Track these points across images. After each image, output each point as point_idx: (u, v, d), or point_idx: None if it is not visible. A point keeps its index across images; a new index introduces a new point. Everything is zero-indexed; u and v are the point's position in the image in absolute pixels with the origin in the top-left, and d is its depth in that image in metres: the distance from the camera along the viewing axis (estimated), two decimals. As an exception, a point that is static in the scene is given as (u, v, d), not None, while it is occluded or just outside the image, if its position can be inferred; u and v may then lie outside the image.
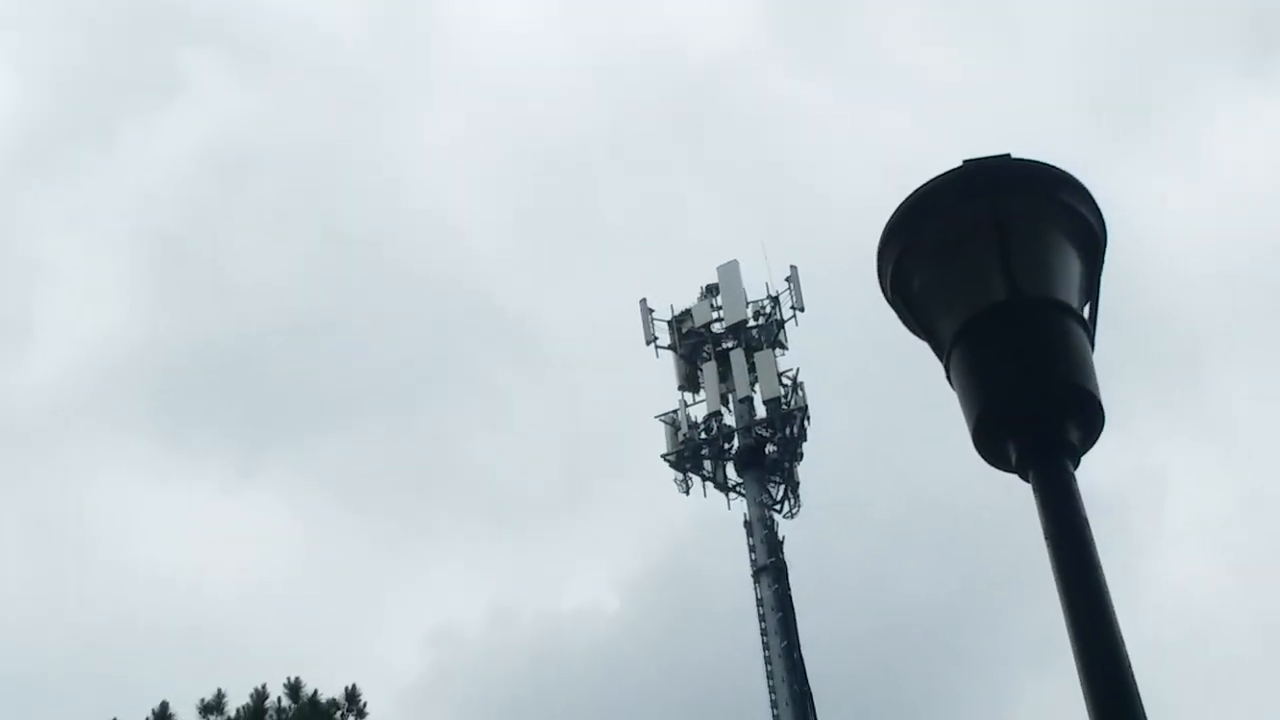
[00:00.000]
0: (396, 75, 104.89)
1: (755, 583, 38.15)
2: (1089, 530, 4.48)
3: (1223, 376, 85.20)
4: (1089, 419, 4.66)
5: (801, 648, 36.48)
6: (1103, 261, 4.93)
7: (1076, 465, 4.63)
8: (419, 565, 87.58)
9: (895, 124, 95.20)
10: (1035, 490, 4.59)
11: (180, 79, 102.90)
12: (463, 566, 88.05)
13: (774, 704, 35.90)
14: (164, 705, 30.35)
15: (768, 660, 36.65)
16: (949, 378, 4.89)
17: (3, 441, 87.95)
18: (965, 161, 4.89)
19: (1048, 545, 4.49)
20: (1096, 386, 4.67)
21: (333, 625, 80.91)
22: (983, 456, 4.76)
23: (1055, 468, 4.59)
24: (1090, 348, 4.76)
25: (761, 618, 37.48)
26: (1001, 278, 4.77)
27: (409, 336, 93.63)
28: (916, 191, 4.94)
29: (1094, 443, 4.69)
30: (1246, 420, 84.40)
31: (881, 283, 5.09)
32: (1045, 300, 4.76)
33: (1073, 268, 4.85)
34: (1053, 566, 4.44)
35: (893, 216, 4.98)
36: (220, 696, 30.48)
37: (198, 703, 30.50)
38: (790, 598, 37.38)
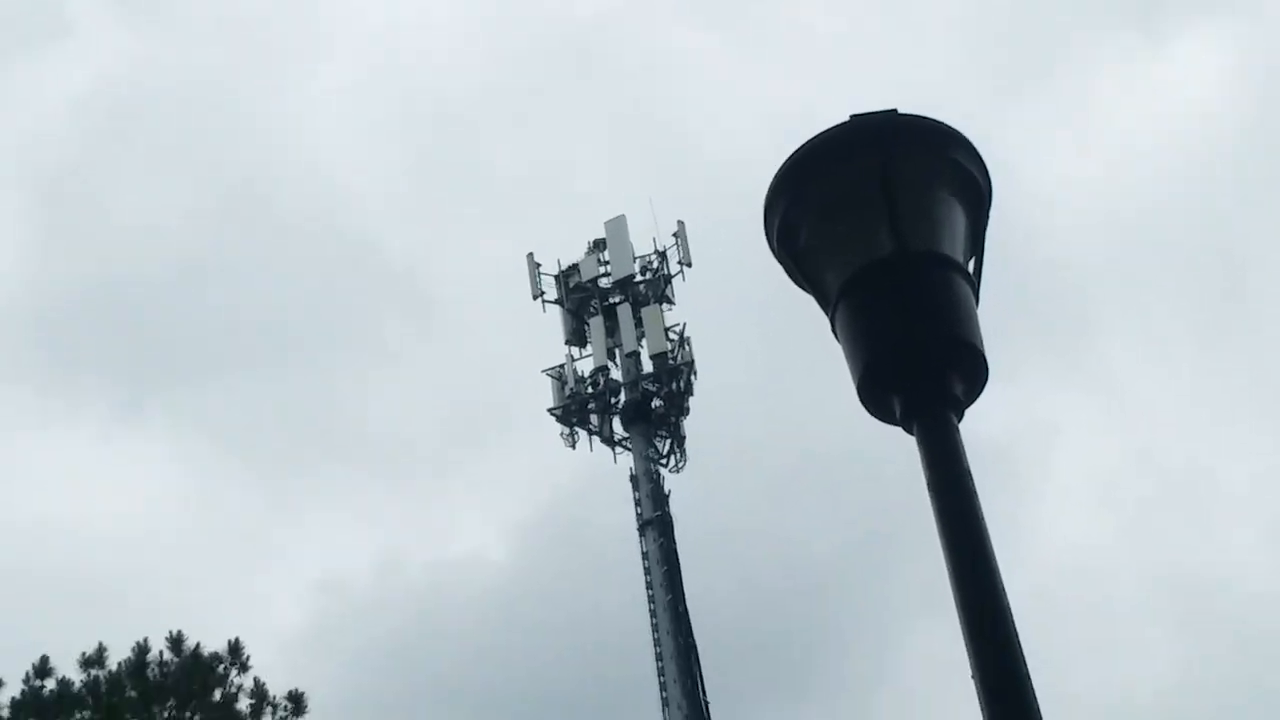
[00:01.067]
0: (287, 23, 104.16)
1: (641, 536, 38.24)
2: (971, 482, 4.53)
3: (1110, 331, 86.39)
4: (973, 372, 4.70)
5: (687, 601, 36.64)
6: (988, 217, 4.97)
7: (960, 418, 4.67)
8: (305, 515, 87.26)
9: (783, 76, 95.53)
10: (919, 443, 4.63)
11: (68, 21, 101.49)
12: (349, 517, 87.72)
13: (659, 656, 36.03)
14: (44, 659, 30.07)
15: (653, 613, 36.76)
16: (835, 331, 4.92)
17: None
18: (852, 116, 4.91)
19: (931, 497, 4.53)
20: (981, 340, 4.71)
21: (218, 575, 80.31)
22: (868, 409, 4.80)
23: (939, 420, 4.63)
24: (975, 302, 4.80)
25: (647, 571, 37.58)
26: (887, 232, 4.79)
27: (296, 285, 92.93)
28: (803, 146, 4.95)
29: (978, 396, 4.73)
30: (1132, 374, 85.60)
31: (768, 237, 5.11)
32: (930, 254, 4.79)
33: (958, 223, 4.89)
34: (936, 518, 4.49)
35: (779, 171, 4.99)
36: (101, 650, 30.25)
37: (79, 656, 30.27)
38: (676, 551, 37.51)
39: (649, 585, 37.37)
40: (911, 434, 4.67)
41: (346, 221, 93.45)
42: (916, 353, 4.68)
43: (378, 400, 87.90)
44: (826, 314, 4.95)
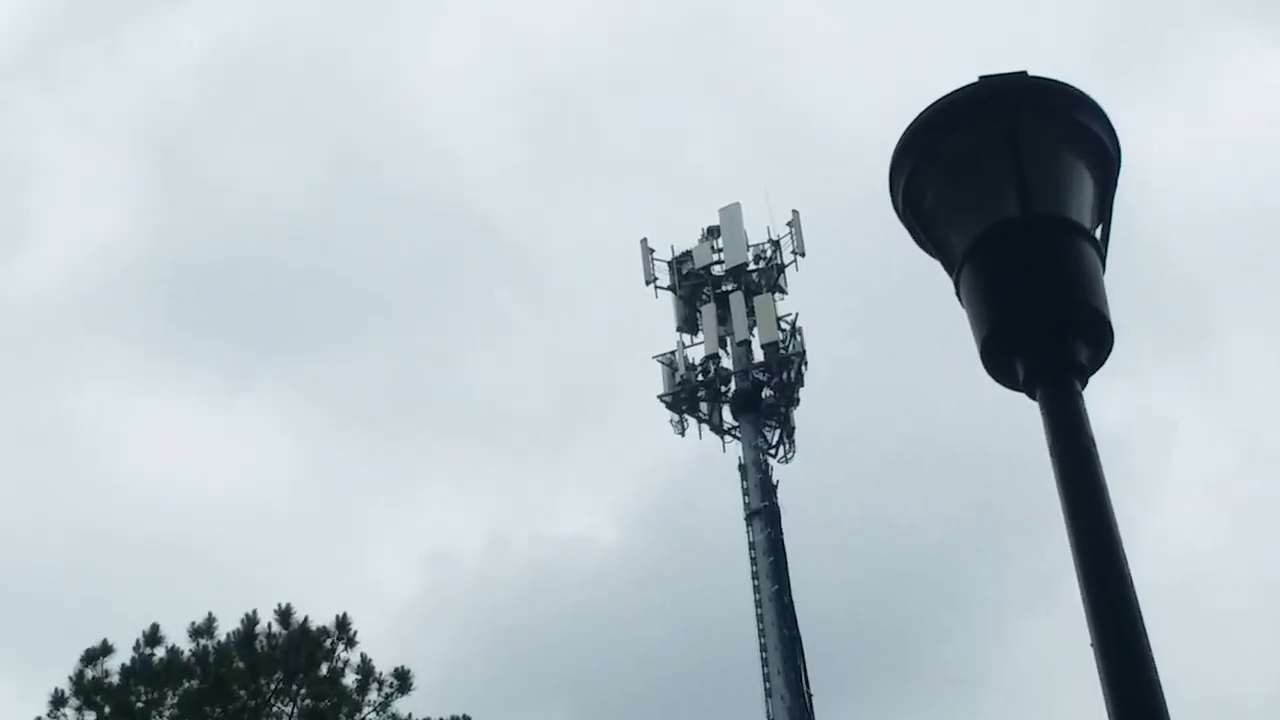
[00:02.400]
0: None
1: (748, 526, 38.20)
2: (1095, 448, 4.46)
3: (1227, 326, 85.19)
4: (1098, 339, 4.62)
5: (792, 591, 36.57)
6: (1116, 183, 4.89)
7: (1084, 385, 4.60)
8: (413, 486, 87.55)
9: (903, 55, 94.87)
10: (1042, 408, 4.56)
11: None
12: (458, 489, 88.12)
13: (763, 647, 36.01)
14: (154, 628, 30.39)
15: (758, 604, 36.71)
16: (959, 295, 4.85)
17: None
18: (981, 78, 4.85)
19: (1053, 463, 4.46)
20: (1107, 307, 4.64)
21: (326, 544, 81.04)
22: (990, 374, 4.73)
23: (1063, 386, 4.56)
24: (1101, 268, 4.72)
25: (753, 561, 37.54)
26: (1015, 195, 4.73)
27: (409, 256, 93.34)
28: (932, 106, 4.90)
29: (1102, 363, 4.66)
30: (1251, 370, 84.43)
31: (893, 198, 5.05)
32: (1058, 218, 4.72)
33: (1086, 187, 4.81)
34: (1057, 483, 4.42)
35: (907, 131, 4.94)
36: (211, 620, 30.53)
37: (188, 626, 30.56)
38: (782, 542, 37.45)
39: (755, 575, 37.34)
40: (1034, 400, 4.60)
41: (461, 192, 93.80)
42: (1042, 317, 4.61)
43: (488, 372, 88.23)
44: (951, 276, 4.89)
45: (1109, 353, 4.66)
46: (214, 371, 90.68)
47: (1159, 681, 4.04)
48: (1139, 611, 4.14)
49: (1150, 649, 4.08)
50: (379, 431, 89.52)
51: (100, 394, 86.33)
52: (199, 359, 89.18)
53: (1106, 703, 4.05)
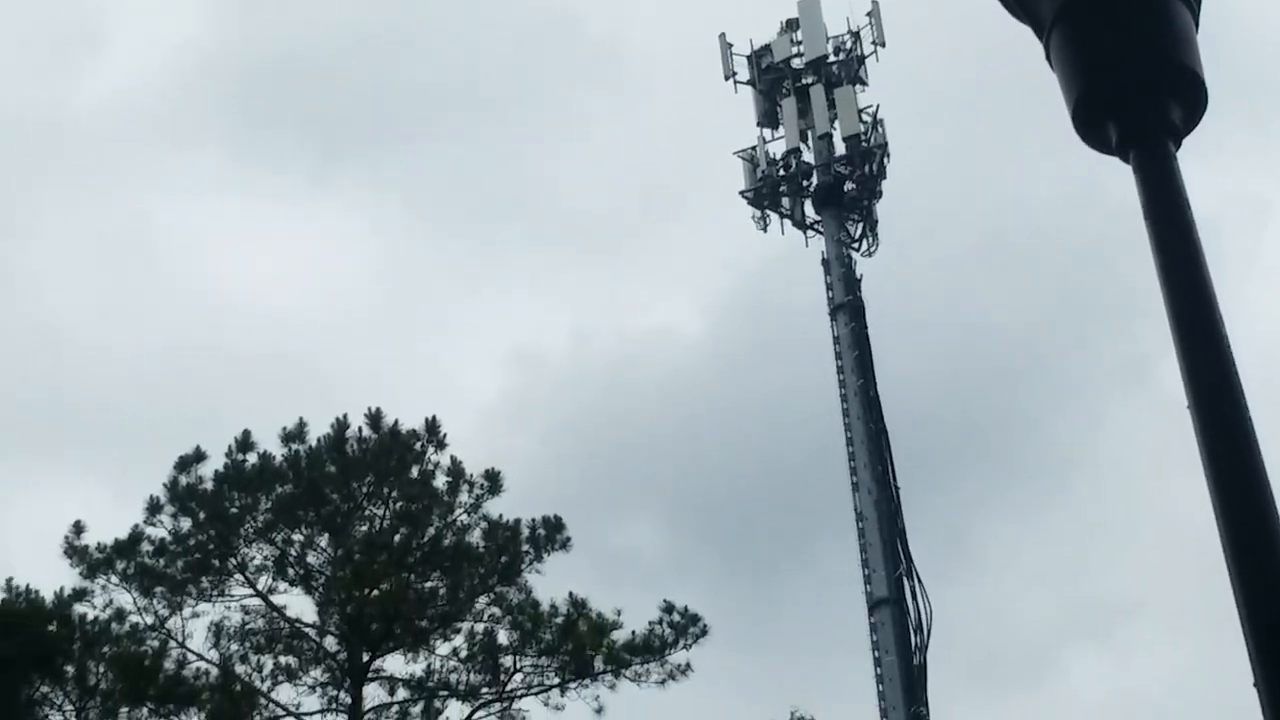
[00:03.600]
0: None
1: (832, 321, 38.20)
2: (1190, 210, 4.38)
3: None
4: (1192, 98, 4.53)
5: (878, 385, 36.63)
6: (1211, -62, 4.76)
7: (1179, 146, 4.51)
8: (496, 283, 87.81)
9: None
10: (1135, 170, 4.48)
11: None
12: (542, 287, 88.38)
13: (849, 441, 36.13)
14: (246, 433, 30.86)
15: (844, 398, 36.81)
16: (1049, 59, 4.76)
17: (74, 152, 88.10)
18: None
19: (1147, 226, 4.39)
20: (1200, 66, 4.54)
21: (411, 345, 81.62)
22: (1082, 138, 4.65)
23: (1157, 147, 4.47)
24: (1195, 28, 4.61)
25: (838, 355, 37.58)
26: (1106, -48, 4.61)
27: (486, 52, 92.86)
28: None
29: (1196, 123, 4.56)
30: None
31: (981, -40, 4.95)
32: (1151, -24, 4.60)
33: (1179, -55, 4.68)
34: (1152, 247, 4.35)
35: (994, -110, 4.81)
36: (302, 425, 30.95)
37: (279, 431, 30.96)
38: (867, 335, 37.45)
39: (840, 370, 37.38)
40: (1127, 163, 4.52)
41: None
42: (1135, 77, 4.50)
43: (570, 168, 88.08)
44: (1041, 41, 4.79)
45: (1203, 113, 4.57)
46: (293, 174, 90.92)
47: (1258, 441, 4.00)
48: (1236, 371, 4.09)
49: (1247, 407, 4.03)
50: (461, 229, 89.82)
51: (178, 201, 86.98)
52: (278, 161, 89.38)
53: (1205, 469, 4.01)
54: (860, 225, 40.37)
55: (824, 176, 40.42)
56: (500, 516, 30.91)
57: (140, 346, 79.52)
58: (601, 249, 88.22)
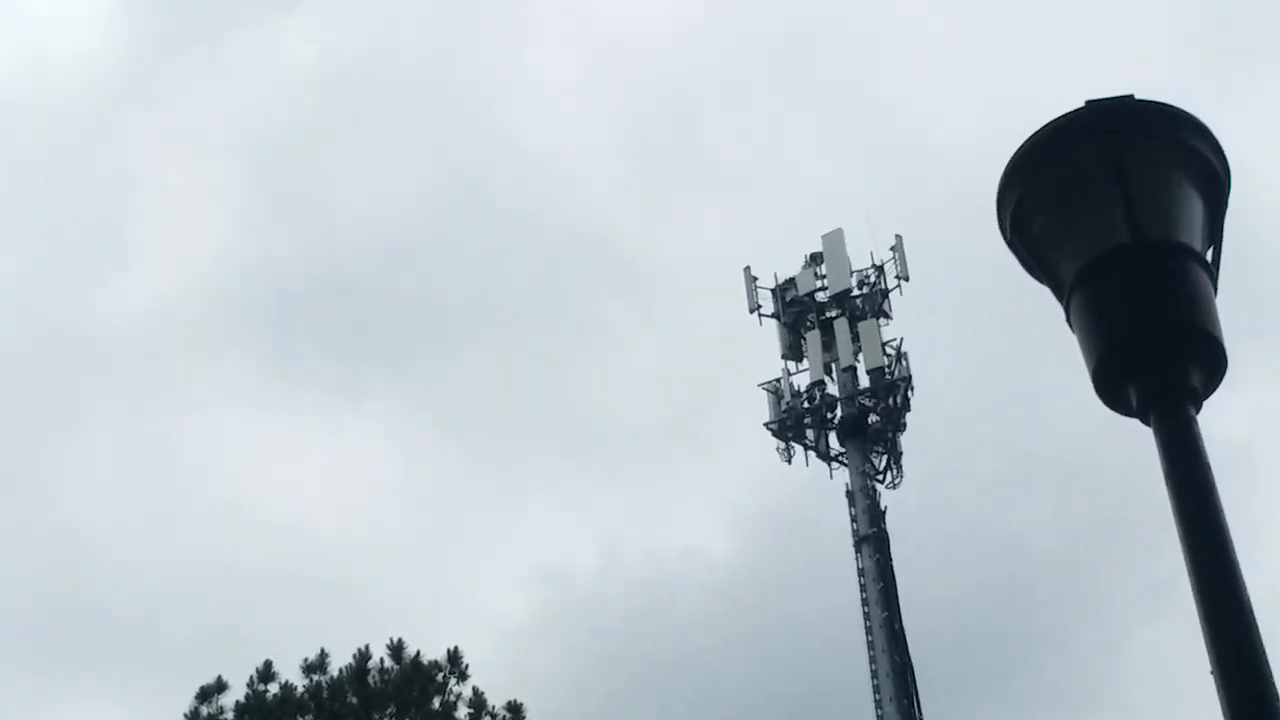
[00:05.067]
0: (512, 5, 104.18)
1: (857, 553, 38.08)
2: (1211, 474, 4.42)
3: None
4: (1212, 362, 4.59)
5: (903, 617, 36.39)
6: (1226, 204, 4.86)
7: (1199, 409, 4.56)
8: (524, 501, 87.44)
9: (1017, 59, 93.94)
10: (1156, 434, 4.53)
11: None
12: (568, 504, 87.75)
13: (874, 674, 35.85)
14: (268, 664, 30.65)
15: (868, 630, 36.58)
16: (1069, 321, 4.84)
17: (104, 364, 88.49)
18: (1088, 102, 4.83)
19: (1169, 490, 4.43)
20: (1219, 330, 4.60)
21: (436, 562, 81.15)
22: (1103, 400, 4.70)
23: (1177, 411, 4.52)
24: (1213, 291, 4.69)
25: (863, 588, 37.41)
26: (1123, 219, 4.71)
27: (516, 271, 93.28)
28: (1038, 132, 4.89)
29: (1216, 386, 4.62)
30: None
31: (1001, 225, 5.05)
32: (1168, 242, 4.70)
33: (1195, 210, 4.79)
34: (1174, 511, 4.39)
35: (1014, 157, 4.93)
36: (323, 655, 30.77)
37: (301, 661, 30.79)
38: (892, 568, 37.32)
39: (864, 602, 37.19)
40: (1148, 425, 4.57)
41: (568, 206, 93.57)
42: (1155, 341, 4.58)
43: (596, 386, 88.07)
44: (1061, 303, 4.87)
45: (1223, 376, 4.62)
46: (321, 390, 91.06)
47: (1282, 709, 4.00)
48: (1260, 640, 4.09)
49: (1272, 678, 4.03)
50: (487, 444, 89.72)
51: (205, 416, 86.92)
52: (305, 378, 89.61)
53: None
54: (885, 457, 40.42)
55: (848, 409, 40.55)
56: (522, 748, 30.57)
57: (165, 564, 79.18)
58: (628, 466, 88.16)
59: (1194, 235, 4.75)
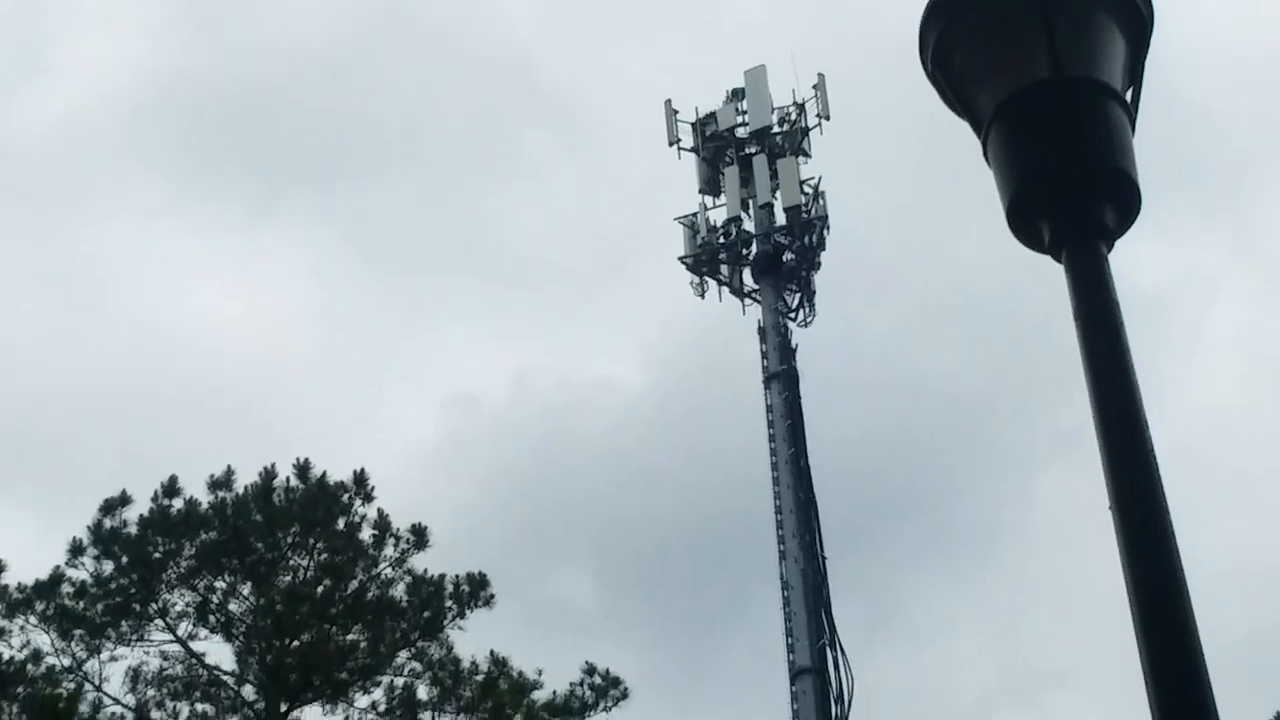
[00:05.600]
0: None
1: (766, 389, 38.27)
2: (1119, 312, 4.45)
3: (1268, 187, 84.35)
4: (1125, 201, 4.60)
5: (810, 455, 36.68)
6: (1148, 45, 4.85)
7: (1110, 248, 4.59)
8: (439, 327, 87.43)
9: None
10: (1067, 270, 4.56)
11: None
12: (483, 331, 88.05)
13: (778, 510, 36.15)
14: (173, 479, 30.70)
15: (774, 466, 36.83)
16: (986, 156, 4.84)
17: (14, 179, 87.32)
18: (1015, -64, 4.80)
19: (1076, 326, 4.46)
20: (1135, 170, 4.62)
21: (348, 383, 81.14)
22: (1016, 236, 4.72)
23: (1089, 248, 4.55)
24: (1131, 131, 4.70)
25: (770, 424, 37.62)
26: (1044, 56, 4.71)
27: (439, 94, 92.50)
28: (965, -36, 4.85)
29: (1129, 226, 4.64)
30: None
31: (922, 58, 5.03)
32: (1087, 80, 4.70)
33: (1117, 49, 4.78)
34: (1081, 347, 4.42)
35: (938, -10, 4.90)
36: (229, 473, 30.83)
37: (207, 478, 30.80)
38: (800, 405, 37.52)
39: (771, 439, 37.42)
40: (1060, 262, 4.60)
41: (493, 33, 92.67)
42: (1069, 178, 4.59)
43: (517, 215, 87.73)
44: (979, 138, 4.87)
45: (1136, 216, 4.64)
46: (237, 205, 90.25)
47: (1177, 546, 4.06)
48: (1159, 476, 4.15)
49: (1169, 513, 4.09)
50: (404, 270, 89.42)
51: (118, 229, 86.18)
52: (221, 196, 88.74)
53: (1123, 564, 4.07)
54: (798, 295, 40.51)
55: (763, 246, 40.56)
56: (425, 571, 30.78)
57: (75, 379, 78.84)
58: (544, 293, 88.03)
59: (1114, 75, 4.74)
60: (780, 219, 40.92)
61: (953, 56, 4.94)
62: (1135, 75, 4.84)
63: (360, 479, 31.25)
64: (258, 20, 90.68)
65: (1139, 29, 4.83)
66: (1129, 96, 4.79)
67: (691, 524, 68.11)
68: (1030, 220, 4.65)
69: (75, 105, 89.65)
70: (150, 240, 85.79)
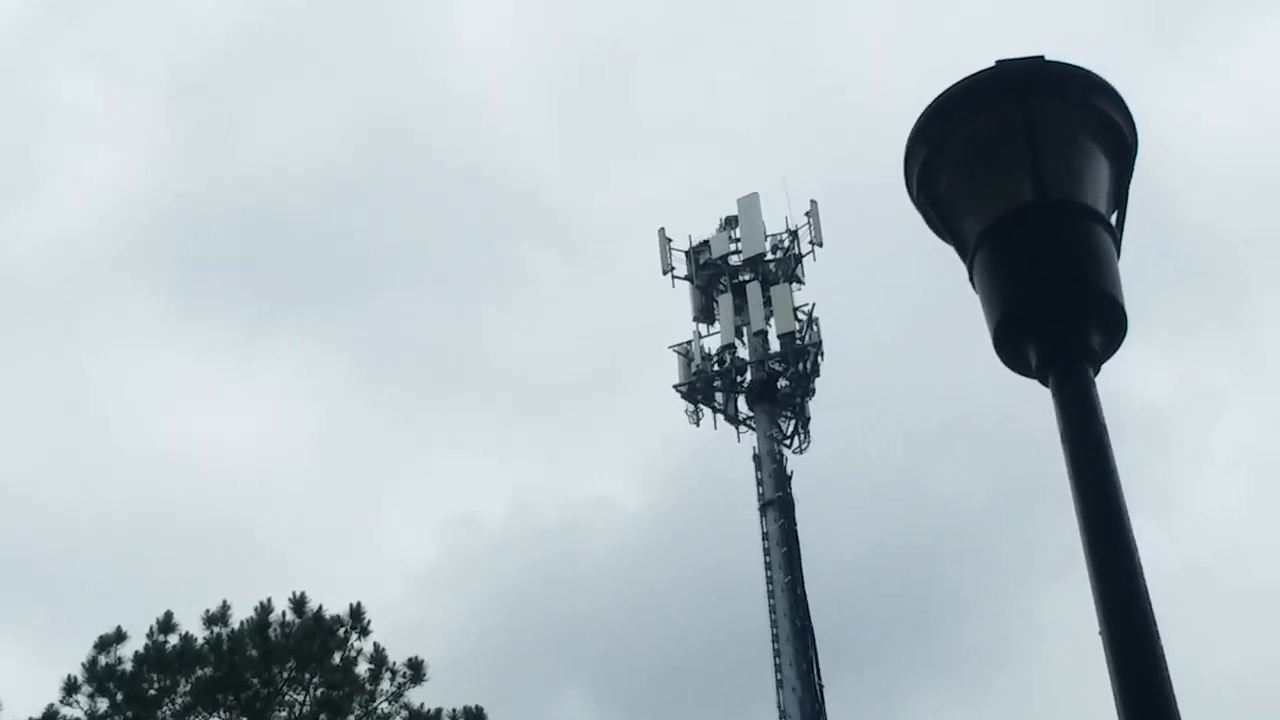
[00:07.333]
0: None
1: (762, 516, 38.23)
2: (1106, 435, 4.44)
3: (1267, 300, 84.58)
4: (1112, 325, 4.60)
5: (806, 582, 36.55)
6: (1133, 168, 4.86)
7: (1097, 371, 4.58)
8: (437, 446, 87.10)
9: (929, 32, 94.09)
10: (1054, 394, 4.55)
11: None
12: (481, 450, 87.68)
13: (775, 637, 36.00)
14: (168, 615, 30.48)
15: (771, 593, 36.73)
16: (972, 280, 4.84)
17: (8, 299, 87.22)
18: (998, 62, 4.82)
19: (1064, 449, 4.45)
20: (1121, 293, 4.62)
21: (347, 504, 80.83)
22: (1003, 360, 4.71)
23: (1075, 372, 4.54)
24: (1116, 254, 4.70)
25: (766, 552, 37.56)
26: (1029, 180, 4.72)
27: (439, 213, 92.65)
28: (947, 91, 4.88)
29: (1116, 349, 4.64)
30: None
31: (908, 183, 5.03)
32: (1072, 204, 4.70)
33: (1102, 173, 4.79)
34: (1068, 471, 4.41)
35: (922, 115, 4.91)
36: (225, 608, 30.58)
37: (203, 614, 30.60)
38: (796, 533, 37.48)
39: (768, 566, 37.31)
40: (1047, 386, 4.58)
41: (494, 155, 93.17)
42: (1055, 302, 4.58)
43: (515, 336, 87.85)
44: (965, 262, 4.87)
45: (1123, 339, 4.64)
46: (236, 325, 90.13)
47: (1167, 670, 4.03)
48: (1148, 600, 4.12)
49: (1159, 638, 4.06)
50: (404, 392, 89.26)
51: (117, 351, 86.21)
52: (220, 315, 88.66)
53: (1114, 691, 4.04)
54: (793, 422, 40.56)
55: (758, 373, 40.67)
56: (422, 705, 30.51)
57: (72, 505, 78.53)
58: (543, 414, 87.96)
59: (1099, 198, 4.76)
60: (774, 345, 41.05)
61: (938, 181, 4.94)
62: (1120, 198, 4.84)
63: (356, 612, 31.06)
64: (259, 139, 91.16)
65: (1123, 152, 4.85)
66: (1114, 220, 4.80)
67: (693, 646, 67.75)
68: (1017, 344, 4.65)
69: (75, 223, 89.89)
70: (148, 362, 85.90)
